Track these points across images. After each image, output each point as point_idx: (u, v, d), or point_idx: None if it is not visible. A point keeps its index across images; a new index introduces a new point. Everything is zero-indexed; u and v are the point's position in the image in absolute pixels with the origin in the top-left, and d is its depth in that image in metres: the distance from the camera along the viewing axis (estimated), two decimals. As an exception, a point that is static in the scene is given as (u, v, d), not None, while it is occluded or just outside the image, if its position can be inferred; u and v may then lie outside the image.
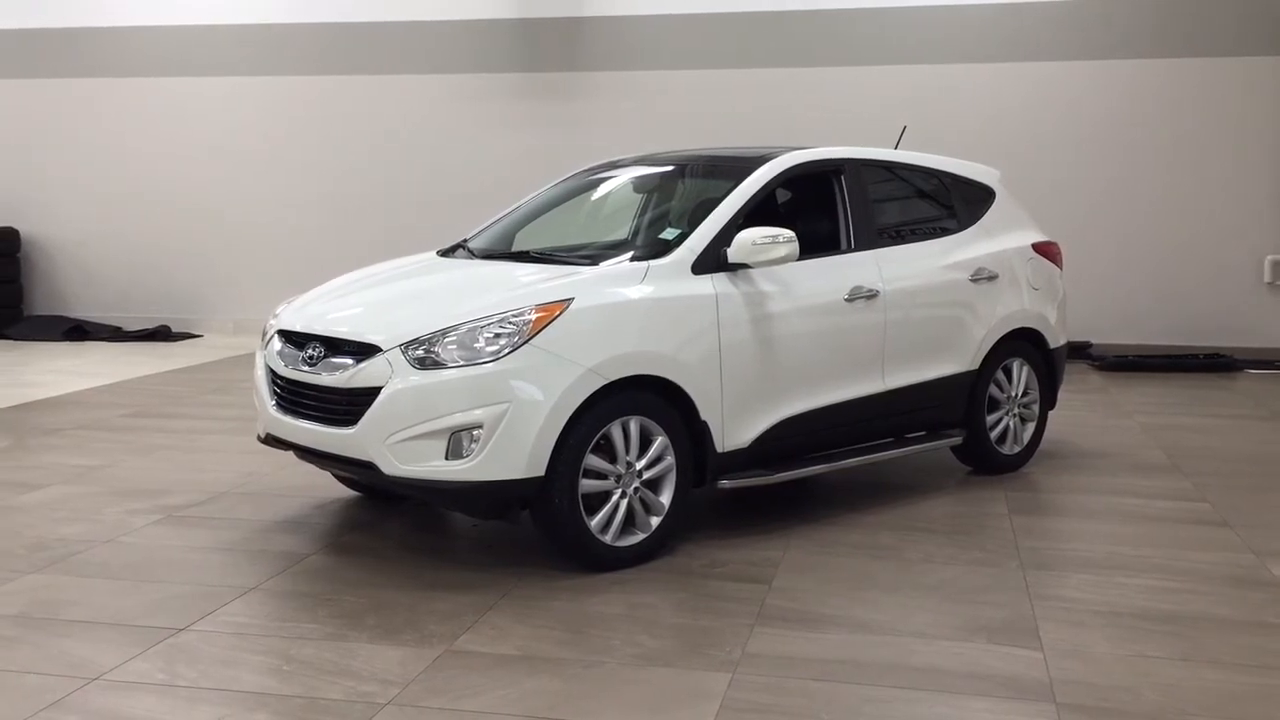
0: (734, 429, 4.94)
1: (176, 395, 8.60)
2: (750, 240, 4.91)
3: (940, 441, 5.85)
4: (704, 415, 4.81)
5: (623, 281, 4.77)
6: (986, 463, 6.12)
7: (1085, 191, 10.22)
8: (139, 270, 12.26)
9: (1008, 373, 6.15)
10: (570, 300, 4.55)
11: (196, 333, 12.03)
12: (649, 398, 4.66)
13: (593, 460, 4.50)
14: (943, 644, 3.86)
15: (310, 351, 4.76)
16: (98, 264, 12.38)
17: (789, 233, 4.95)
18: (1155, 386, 9.01)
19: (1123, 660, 3.72)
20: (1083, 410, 7.89)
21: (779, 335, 5.08)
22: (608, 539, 4.56)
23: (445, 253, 5.83)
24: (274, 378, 5.00)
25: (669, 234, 5.17)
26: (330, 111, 11.71)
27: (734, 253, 4.93)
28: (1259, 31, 9.86)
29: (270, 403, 4.98)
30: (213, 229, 12.06)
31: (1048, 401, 6.42)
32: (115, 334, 11.84)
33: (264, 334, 5.25)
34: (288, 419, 4.85)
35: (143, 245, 12.23)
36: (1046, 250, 6.45)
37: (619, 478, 4.59)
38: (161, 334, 11.80)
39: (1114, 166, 10.23)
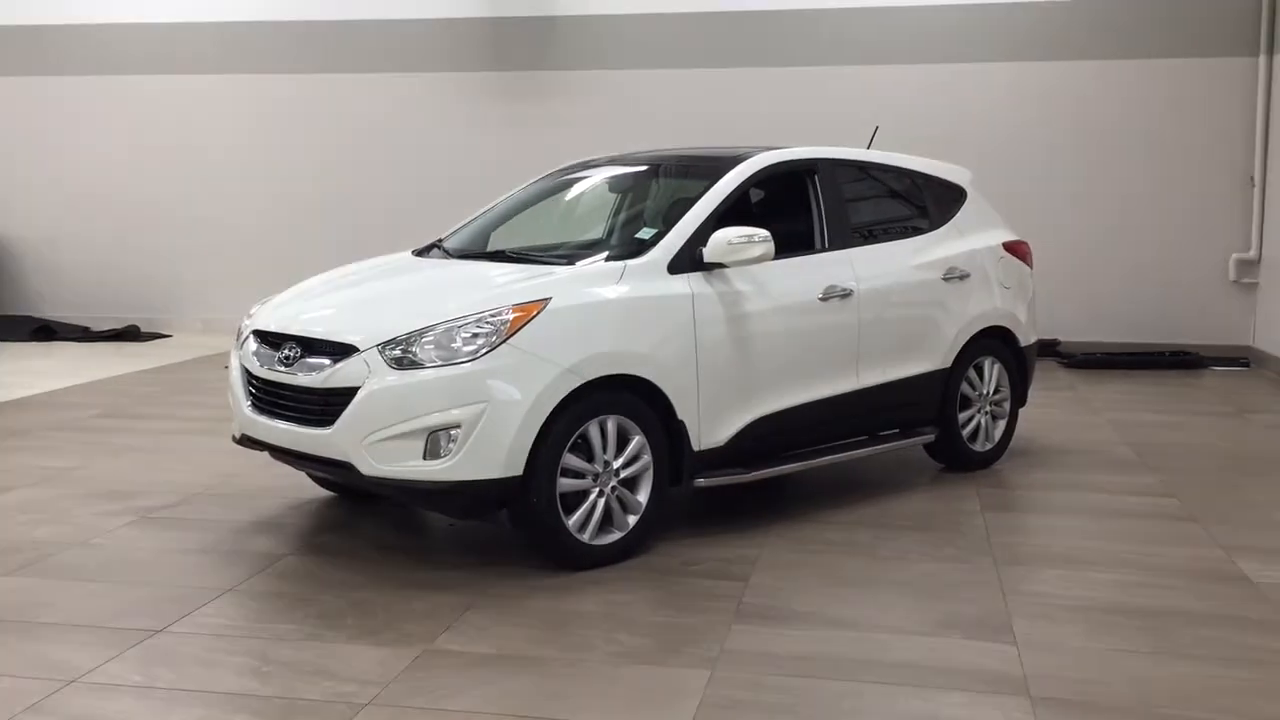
0: (710, 428, 4.96)
1: (147, 395, 8.54)
2: (725, 240, 4.94)
3: (913, 439, 5.91)
4: (680, 414, 4.83)
5: (599, 281, 4.79)
6: (959, 460, 6.18)
7: (1053, 190, 10.33)
8: (107, 269, 12.16)
9: (979, 371, 6.21)
10: (547, 300, 4.56)
11: (166, 332, 11.94)
12: (626, 397, 4.68)
13: (570, 459, 4.52)
14: (918, 639, 3.90)
15: (286, 352, 4.75)
16: (65, 263, 12.27)
17: (764, 232, 4.98)
18: (1123, 383, 9.12)
19: (1096, 654, 3.77)
20: (1052, 407, 7.98)
21: (754, 334, 5.11)
22: (585, 538, 4.58)
23: (420, 252, 5.82)
24: (249, 378, 4.98)
25: (645, 234, 5.20)
26: (301, 110, 11.66)
27: (709, 252, 4.96)
28: (1225, 33, 9.99)
29: (246, 403, 4.96)
30: (182, 228, 11.97)
31: (1018, 399, 6.49)
32: (84, 334, 11.73)
33: (239, 334, 5.23)
34: (263, 419, 4.83)
35: (111, 244, 12.14)
36: (1017, 249, 6.52)
37: (596, 476, 4.60)
38: (130, 334, 11.71)
39: (1081, 166, 10.34)
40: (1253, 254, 10.03)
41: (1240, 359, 9.96)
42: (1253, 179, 10.00)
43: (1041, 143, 10.36)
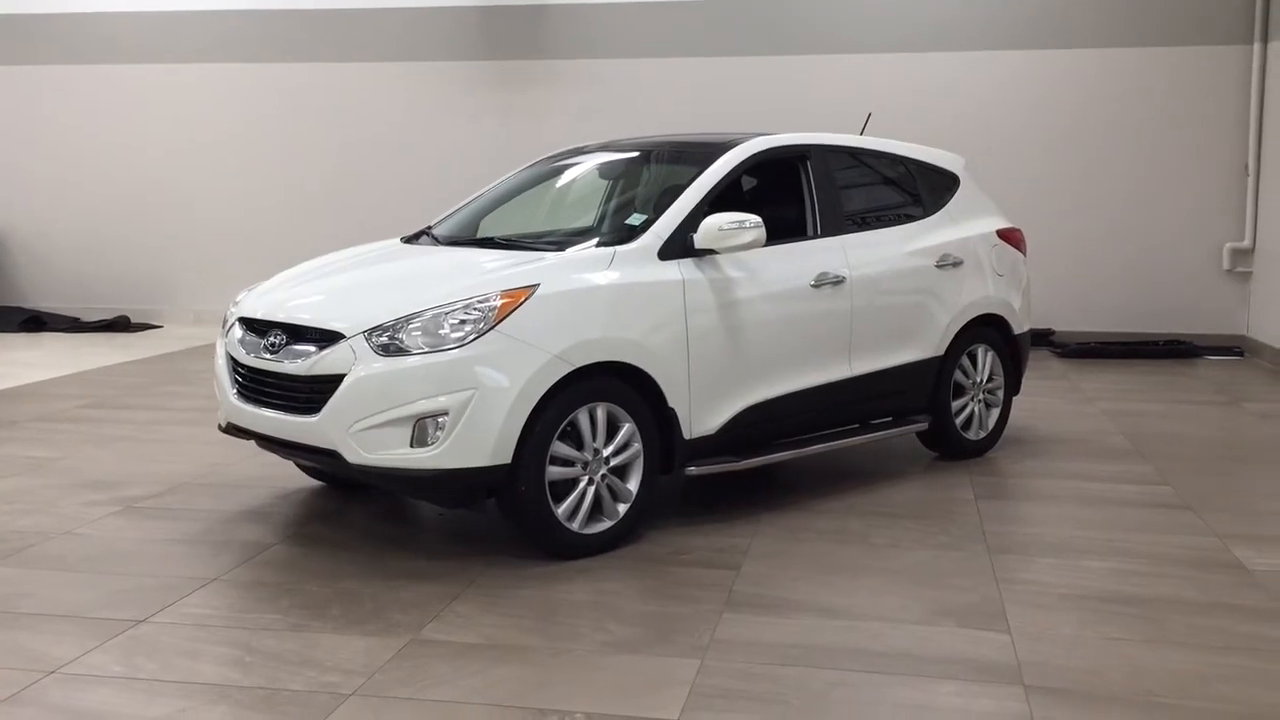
0: (701, 415, 4.91)
1: (135, 386, 8.47)
2: (717, 226, 4.88)
3: (906, 427, 5.86)
4: (671, 402, 4.78)
5: (589, 267, 4.73)
6: (952, 448, 6.13)
7: (1047, 179, 10.28)
8: (98, 260, 12.08)
9: (973, 359, 6.17)
10: (536, 286, 4.50)
11: (156, 323, 11.87)
12: (616, 384, 4.63)
13: (559, 447, 4.46)
14: (910, 628, 3.86)
15: (272, 339, 4.69)
16: (55, 253, 12.19)
17: (756, 218, 4.92)
18: (1116, 372, 9.08)
19: (1090, 643, 3.73)
20: (1046, 396, 7.94)
21: (746, 321, 5.05)
22: (575, 526, 4.53)
23: (409, 239, 5.76)
24: (235, 366, 4.92)
25: (635, 219, 5.13)
26: (292, 99, 11.57)
27: (700, 238, 4.90)
28: (1218, 20, 9.93)
29: (231, 391, 4.90)
30: (173, 218, 11.90)
31: (1012, 387, 6.44)
32: (73, 325, 11.65)
33: (225, 321, 5.17)
34: (249, 408, 4.77)
35: (101, 234, 12.05)
36: (1011, 237, 6.47)
37: (586, 465, 4.55)
38: (120, 325, 11.63)
39: (1076, 154, 10.29)
40: (1247, 243, 9.99)
41: (1234, 348, 9.93)
42: (1247, 168, 9.95)
43: (1034, 131, 10.30)
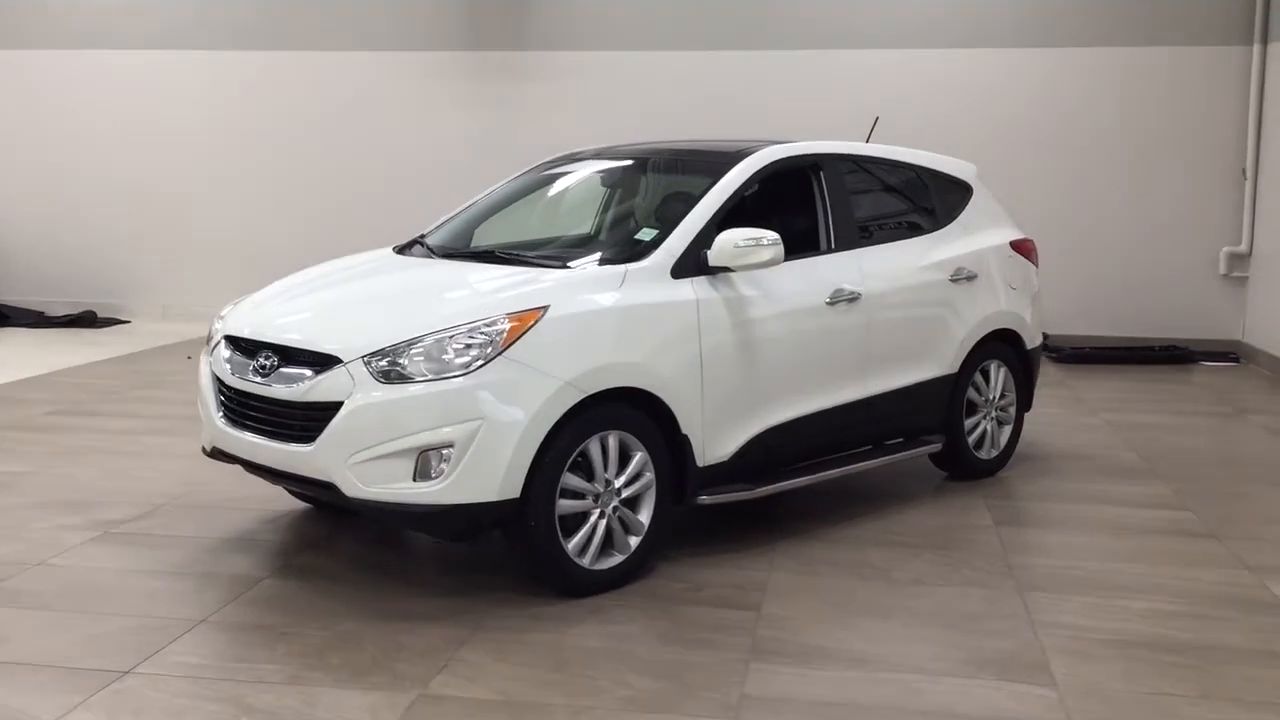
0: (715, 441, 4.67)
1: (107, 390, 8.12)
2: (732, 243, 4.63)
3: (921, 449, 5.65)
4: (684, 428, 4.53)
5: (600, 287, 4.46)
6: (963, 468, 5.94)
7: (1041, 179, 10.07)
8: (62, 251, 11.65)
9: (985, 375, 5.97)
10: (546, 308, 4.24)
11: (123, 318, 11.47)
12: (627, 411, 4.38)
13: (570, 479, 4.21)
14: (949, 681, 3.64)
15: (262, 361, 4.40)
16: (18, 244, 11.74)
17: (773, 234, 4.67)
18: (1115, 380, 8.93)
19: (1142, 699, 3.52)
20: (1048, 406, 7.73)
21: (761, 342, 4.82)
22: (585, 562, 4.29)
23: (402, 249, 5.47)
24: (221, 387, 4.63)
25: (645, 234, 4.88)
26: (267, 88, 11.18)
27: (715, 256, 4.65)
28: (1217, 20, 9.76)
29: (217, 414, 4.61)
30: (140, 208, 11.48)
31: (1024, 403, 6.25)
32: (38, 320, 11.24)
33: (209, 338, 4.87)
34: (236, 432, 4.49)
35: (66, 225, 11.62)
36: (1023, 247, 6.28)
37: (597, 497, 4.30)
38: (87, 320, 11.23)
39: (1070, 154, 10.10)
40: (1243, 247, 9.85)
41: (1230, 354, 9.80)
42: (1244, 171, 9.81)
43: (1028, 130, 10.09)
